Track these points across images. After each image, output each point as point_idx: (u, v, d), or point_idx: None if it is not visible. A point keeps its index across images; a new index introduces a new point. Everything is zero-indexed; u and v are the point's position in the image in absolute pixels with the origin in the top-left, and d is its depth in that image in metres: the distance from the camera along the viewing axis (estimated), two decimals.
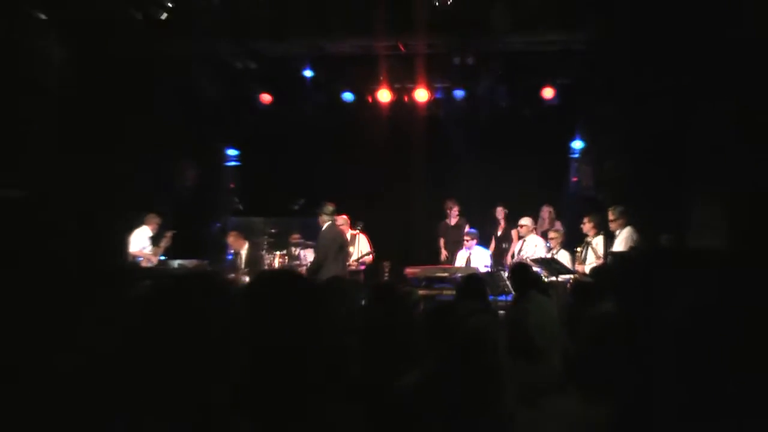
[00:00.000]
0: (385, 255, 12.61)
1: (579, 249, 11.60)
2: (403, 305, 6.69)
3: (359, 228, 12.35)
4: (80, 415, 1.51)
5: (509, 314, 7.32)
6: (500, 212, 13.17)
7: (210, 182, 14.19)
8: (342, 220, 12.02)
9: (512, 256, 12.24)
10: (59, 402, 1.48)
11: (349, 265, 11.69)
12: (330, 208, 11.32)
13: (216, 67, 12.98)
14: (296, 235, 12.82)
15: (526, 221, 12.25)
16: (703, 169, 11.27)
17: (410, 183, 14.85)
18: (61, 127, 10.21)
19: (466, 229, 12.86)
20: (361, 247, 12.26)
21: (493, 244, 12.98)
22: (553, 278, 10.57)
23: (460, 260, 12.36)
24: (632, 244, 10.72)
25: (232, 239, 12.45)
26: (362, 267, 12.03)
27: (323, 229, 11.15)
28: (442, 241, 13.27)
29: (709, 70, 9.47)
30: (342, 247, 11.32)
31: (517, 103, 13.47)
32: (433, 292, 10.65)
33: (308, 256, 12.33)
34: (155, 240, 12.15)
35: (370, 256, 12.15)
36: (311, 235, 12.58)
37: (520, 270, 7.72)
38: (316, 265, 10.89)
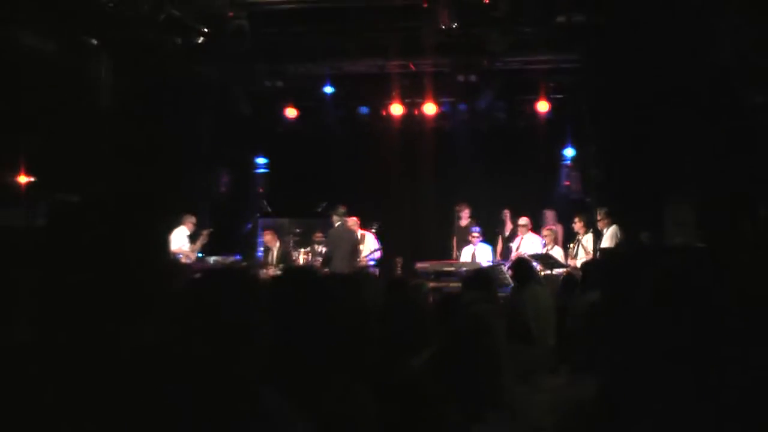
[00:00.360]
0: (398, 252, 12.68)
1: (571, 245, 11.64)
2: (414, 295, 6.75)
3: (375, 228, 12.37)
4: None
5: (509, 303, 7.38)
6: (506, 215, 13.14)
7: (242, 187, 14.30)
8: (352, 221, 12.08)
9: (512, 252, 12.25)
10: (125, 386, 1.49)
11: (359, 261, 11.79)
12: (341, 209, 11.57)
13: (247, 86, 13.06)
14: (319, 234, 12.87)
15: (524, 221, 12.24)
16: (676, 175, 11.30)
17: (420, 187, 14.99)
18: (113, 141, 10.30)
19: (474, 227, 12.90)
20: (369, 245, 12.28)
21: (500, 244, 12.95)
22: (548, 271, 10.60)
23: (465, 256, 12.36)
24: (617, 241, 10.77)
25: (268, 237, 12.47)
26: (371, 263, 12.05)
27: (334, 227, 11.38)
28: (455, 240, 13.32)
29: (679, 87, 9.50)
30: (353, 244, 11.46)
31: (515, 116, 13.50)
32: (441, 284, 10.64)
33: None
34: (192, 238, 12.19)
35: (378, 252, 12.15)
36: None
37: (520, 264, 7.77)
38: (325, 258, 11.15)
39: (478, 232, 12.44)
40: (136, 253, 1.50)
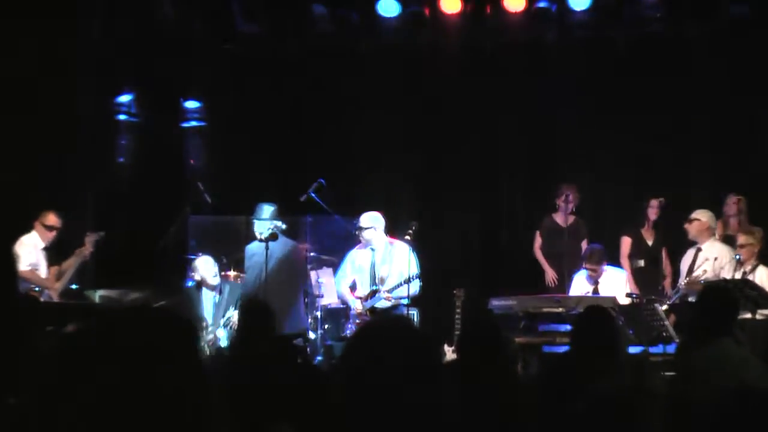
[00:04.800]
0: (455, 277, 12.61)
1: None
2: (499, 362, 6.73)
3: (411, 233, 12.23)
4: None
5: (676, 371, 7.30)
6: (653, 206, 13.00)
7: (159, 157, 14.28)
8: (368, 219, 11.93)
9: (679, 276, 12.10)
10: None
11: (368, 294, 11.81)
12: (266, 209, 11.74)
13: None
14: (303, 245, 12.78)
15: (702, 215, 12.10)
16: None
17: (494, 157, 14.89)
18: None
19: (584, 242, 12.88)
20: (400, 266, 12.09)
21: (627, 250, 12.86)
22: (747, 314, 10.46)
23: (578, 286, 12.51)
24: None
25: (200, 262, 12.23)
26: (403, 301, 11.90)
27: (257, 238, 12.15)
28: (539, 248, 13.30)
29: None
30: (291, 266, 11.64)
31: (677, 19, 13.38)
32: (539, 340, 10.86)
33: (327, 281, 12.37)
34: (54, 255, 12.05)
35: (417, 282, 11.96)
36: (330, 243, 12.78)
37: (714, 296, 7.66)
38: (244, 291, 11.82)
39: (600, 253, 12.36)
40: None
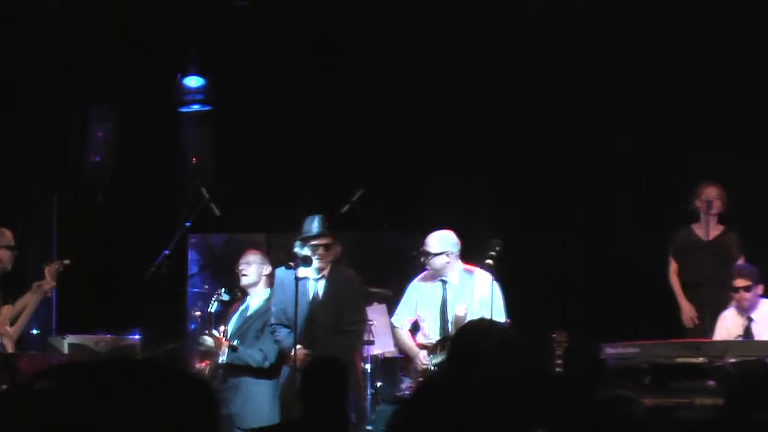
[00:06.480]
0: (554, 317, 12.45)
1: None
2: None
3: (493, 255, 12.07)
4: None
5: None
6: None
7: (144, 154, 14.31)
8: (438, 242, 11.74)
9: None
10: None
11: (437, 343, 11.82)
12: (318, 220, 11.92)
13: None
14: (348, 271, 12.70)
15: None
16: None
17: (601, 154, 14.83)
18: None
19: (740, 262, 12.65)
20: (484, 304, 11.89)
21: None
22: None
23: (726, 327, 12.35)
24: None
25: (252, 257, 12.10)
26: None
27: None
28: (675, 274, 13.05)
29: None
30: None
31: None
32: (674, 401, 10.85)
33: (379, 322, 12.34)
34: (3, 290, 11.95)
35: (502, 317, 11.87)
36: (380, 269, 12.85)
37: None
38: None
39: (750, 274, 12.36)
40: None
